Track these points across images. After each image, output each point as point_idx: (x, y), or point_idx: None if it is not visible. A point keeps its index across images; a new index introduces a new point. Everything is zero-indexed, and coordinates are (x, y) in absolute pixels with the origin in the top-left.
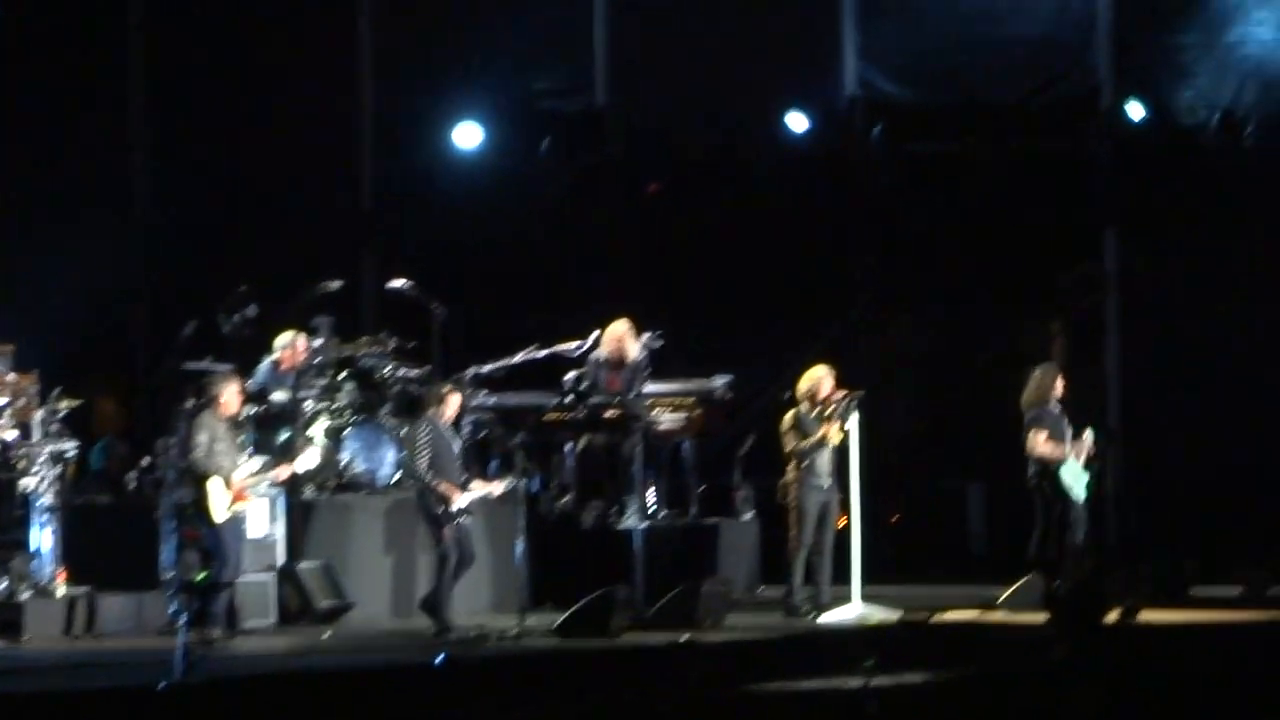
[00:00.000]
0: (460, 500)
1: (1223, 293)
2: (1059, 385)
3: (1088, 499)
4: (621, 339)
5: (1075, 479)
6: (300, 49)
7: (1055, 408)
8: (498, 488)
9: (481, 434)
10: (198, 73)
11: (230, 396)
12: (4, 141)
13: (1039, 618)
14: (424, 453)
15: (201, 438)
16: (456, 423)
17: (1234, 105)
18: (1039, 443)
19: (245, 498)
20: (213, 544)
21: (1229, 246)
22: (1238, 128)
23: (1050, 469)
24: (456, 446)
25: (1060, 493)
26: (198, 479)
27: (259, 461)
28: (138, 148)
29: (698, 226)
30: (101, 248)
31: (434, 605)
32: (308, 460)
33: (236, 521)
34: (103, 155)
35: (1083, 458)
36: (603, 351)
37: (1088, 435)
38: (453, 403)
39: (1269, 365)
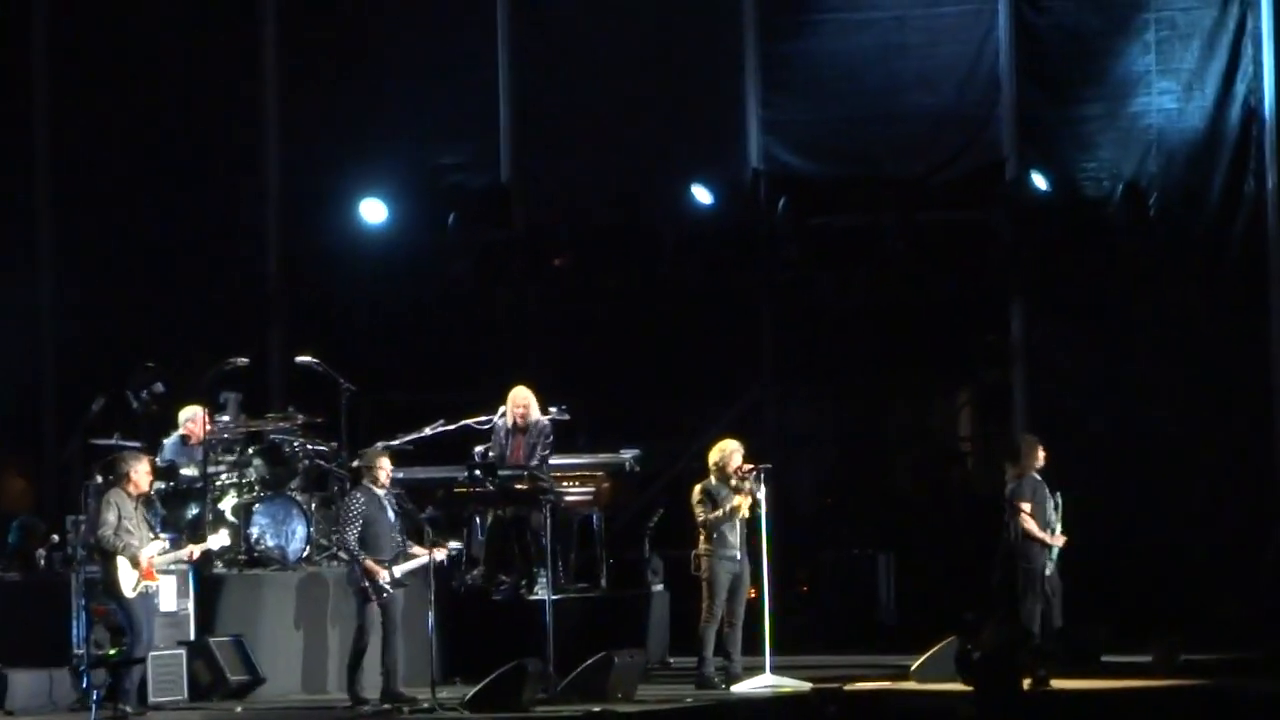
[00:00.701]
0: (385, 576)
1: (1128, 361)
2: (1040, 454)
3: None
4: (524, 401)
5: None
6: (206, 122)
7: (1035, 477)
8: (439, 554)
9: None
10: (102, 144)
11: (139, 474)
12: None
13: (950, 685)
14: (355, 525)
15: (110, 515)
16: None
17: (1137, 176)
18: (1024, 512)
19: (154, 575)
20: (123, 620)
21: (1134, 315)
22: (1141, 198)
23: (1030, 540)
24: (392, 514)
25: (1030, 563)
26: (106, 556)
27: (166, 540)
28: (43, 222)
29: (605, 300)
30: (6, 324)
31: (351, 680)
32: (217, 541)
33: (146, 597)
34: (7, 231)
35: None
36: (506, 416)
37: (1057, 500)
38: (385, 466)
39: (1176, 433)
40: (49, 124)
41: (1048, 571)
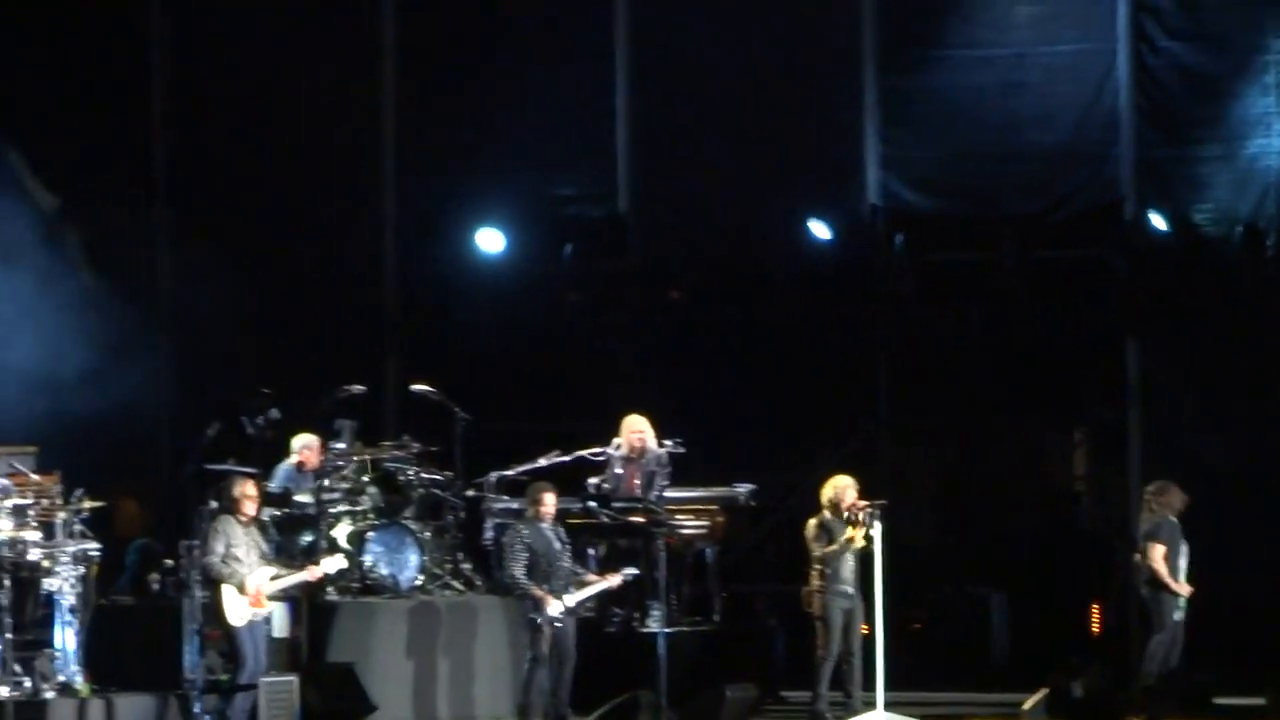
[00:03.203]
0: (556, 606)
1: (1244, 401)
2: (1179, 500)
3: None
4: (639, 431)
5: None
6: (323, 149)
7: (1174, 520)
8: (615, 580)
9: (502, 538)
10: (219, 172)
11: (247, 499)
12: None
13: None
14: (520, 558)
15: (217, 543)
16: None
17: (1255, 216)
18: (1157, 557)
19: (262, 603)
20: (230, 647)
21: (1251, 357)
22: (1259, 239)
23: (1159, 583)
24: (558, 544)
25: (1162, 606)
26: (213, 583)
27: (275, 568)
28: (160, 248)
29: (720, 333)
30: (123, 349)
31: (523, 708)
32: (332, 565)
33: (254, 625)
34: (128, 255)
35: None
36: (621, 446)
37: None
38: (547, 501)
39: None
40: (168, 153)
41: (1176, 617)
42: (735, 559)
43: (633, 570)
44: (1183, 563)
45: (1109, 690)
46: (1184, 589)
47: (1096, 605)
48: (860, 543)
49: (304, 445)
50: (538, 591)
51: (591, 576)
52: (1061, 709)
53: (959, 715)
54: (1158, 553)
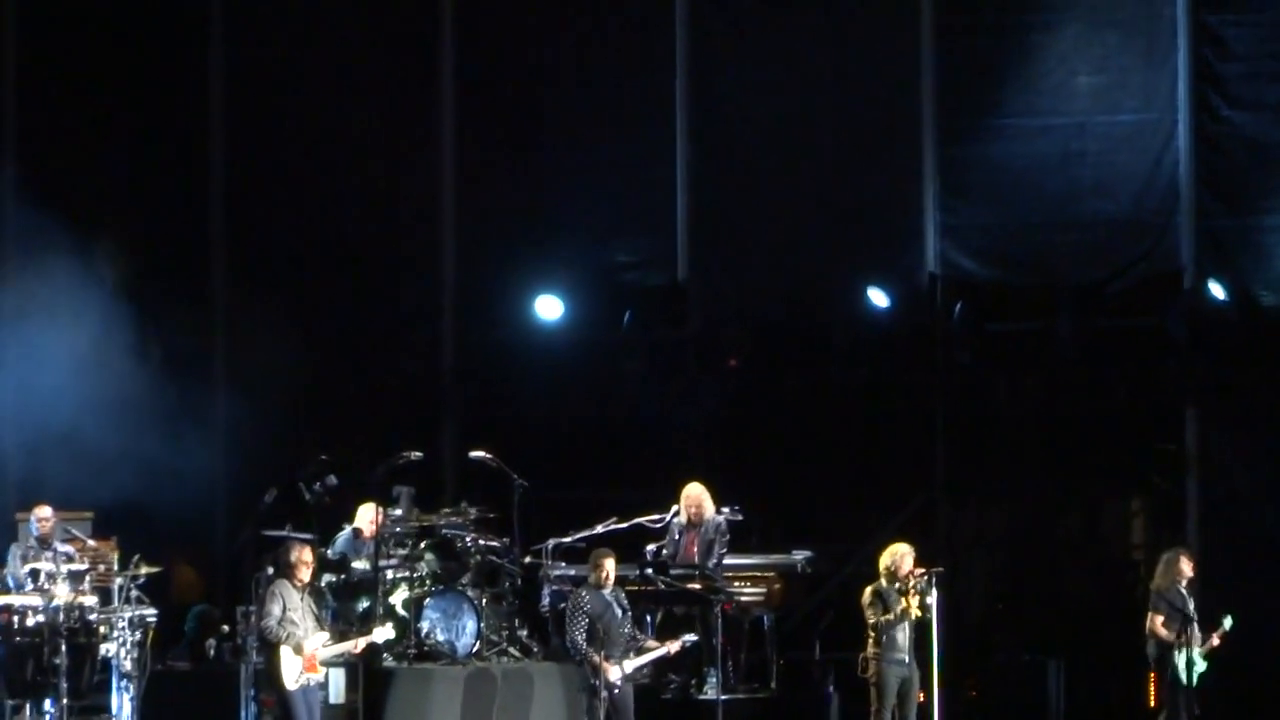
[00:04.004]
0: (615, 673)
1: None
2: (1186, 568)
3: (1198, 684)
4: (697, 499)
5: (1185, 665)
6: (381, 214)
7: (1180, 592)
8: (674, 646)
9: (561, 605)
10: (277, 235)
11: (303, 564)
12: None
13: None
14: (581, 623)
15: (274, 606)
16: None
17: None
18: (1156, 625)
19: (316, 668)
20: (284, 712)
21: None
22: None
23: (1165, 651)
24: (619, 611)
25: (1172, 675)
26: (270, 646)
27: (327, 634)
28: (217, 314)
29: (778, 400)
30: (180, 415)
31: None
32: (381, 635)
33: (308, 689)
34: (183, 319)
35: (1204, 646)
36: (681, 513)
37: (1226, 622)
38: (608, 567)
39: None
40: (224, 220)
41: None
42: (792, 626)
43: (691, 636)
44: (1190, 633)
45: None
46: (1198, 640)
47: (1153, 675)
48: (916, 613)
49: (369, 516)
50: (597, 658)
51: (651, 643)
52: None
53: None
54: (1158, 621)
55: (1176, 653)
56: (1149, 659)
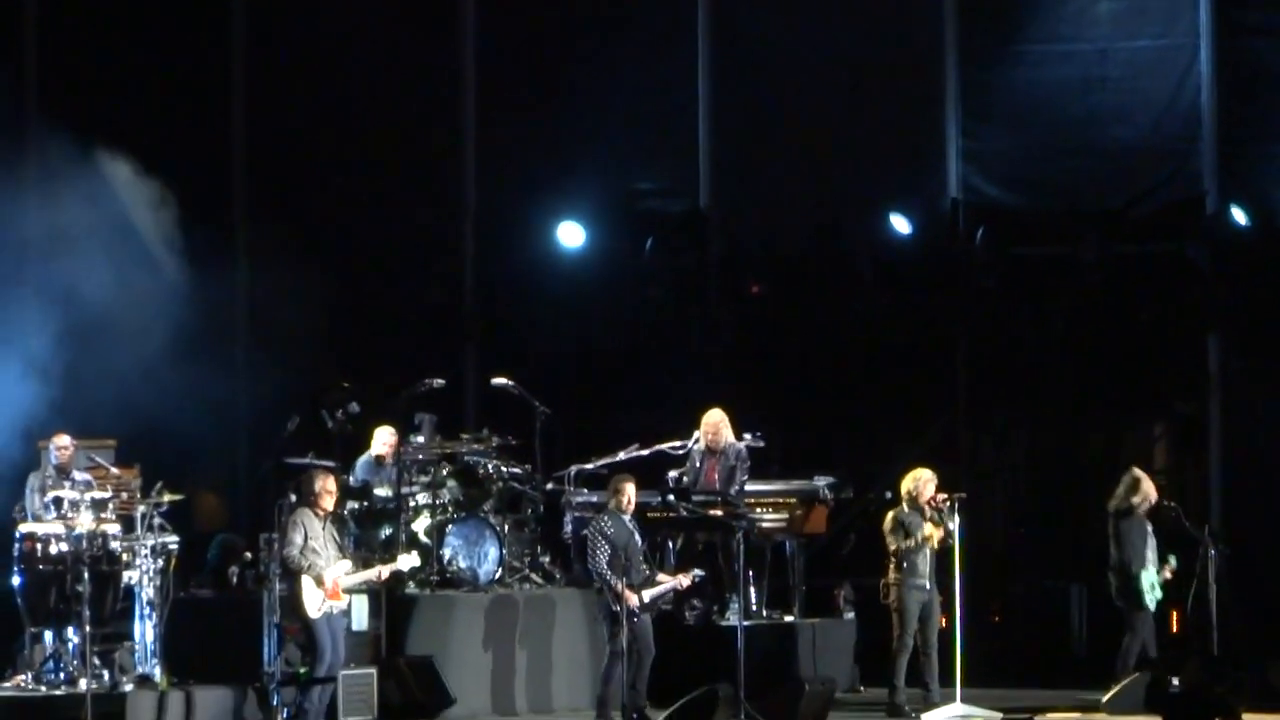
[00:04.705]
0: (635, 600)
1: None
2: (1147, 491)
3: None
4: (716, 425)
5: (1151, 587)
6: (405, 145)
7: (1140, 515)
8: (684, 580)
9: (583, 532)
10: (298, 162)
11: (326, 492)
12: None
13: (1142, 718)
14: (604, 549)
15: (296, 535)
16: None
17: None
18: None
19: (339, 595)
20: (308, 640)
21: None
22: None
23: (1130, 575)
24: (639, 539)
25: (1137, 598)
26: (292, 575)
27: (350, 564)
28: (239, 239)
29: (800, 327)
30: (202, 343)
31: (601, 700)
32: (406, 563)
33: (331, 617)
34: (204, 246)
35: (1160, 575)
36: (701, 440)
37: (1172, 560)
38: (628, 492)
39: None
40: (246, 140)
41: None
42: (814, 552)
43: (700, 572)
44: (1150, 555)
45: (1208, 684)
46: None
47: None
48: (936, 543)
49: (384, 439)
50: (620, 585)
51: (663, 576)
52: (1160, 703)
53: (1037, 708)
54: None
55: (1144, 573)
56: (1110, 582)
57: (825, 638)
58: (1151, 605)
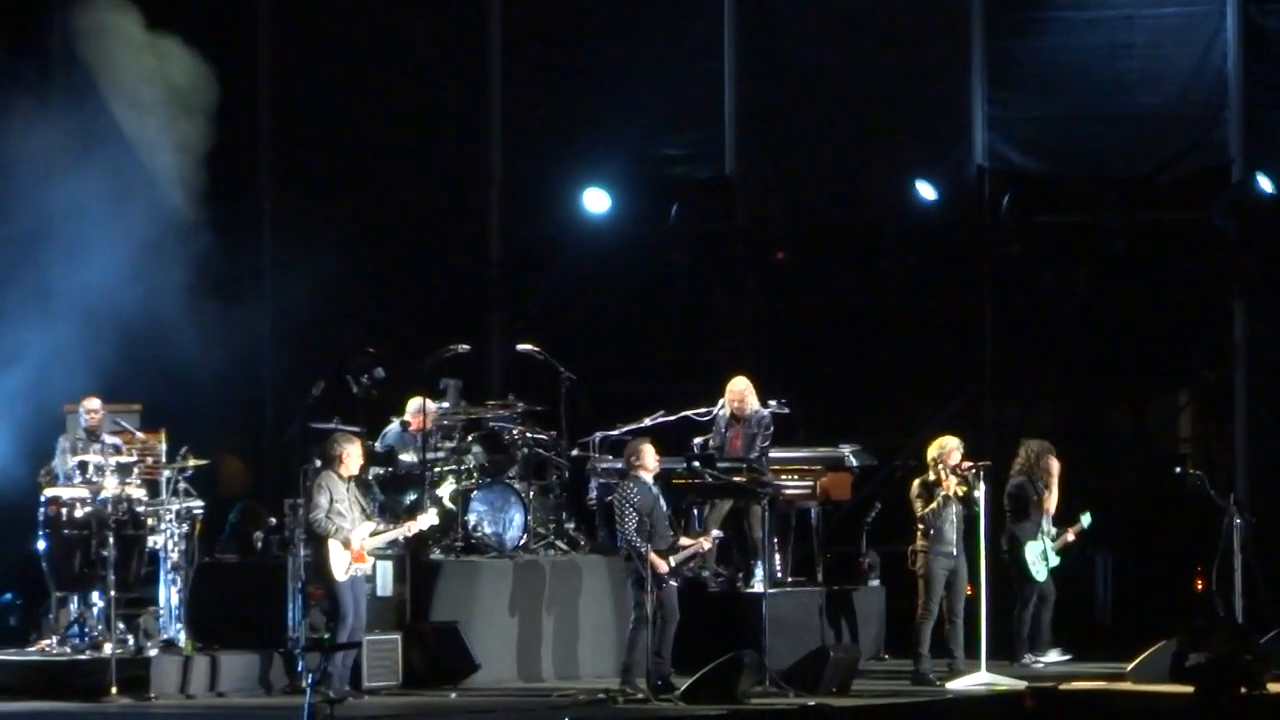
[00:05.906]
0: (664, 566)
1: None
2: (1044, 462)
3: (1049, 578)
4: (741, 392)
5: (1038, 558)
6: (431, 110)
7: (1035, 483)
8: (705, 543)
9: (608, 498)
10: (325, 129)
11: (351, 456)
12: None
13: (1167, 687)
14: (632, 515)
15: (321, 498)
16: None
17: None
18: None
19: (364, 559)
20: (332, 604)
21: None
22: None
23: (1017, 545)
24: (663, 503)
25: (1023, 570)
26: (317, 539)
27: (374, 523)
28: (266, 207)
29: (825, 294)
30: (228, 309)
31: (626, 667)
32: (426, 521)
33: (356, 581)
34: (231, 215)
35: (1058, 541)
36: (726, 407)
37: (1084, 519)
38: (647, 453)
39: None
40: (272, 107)
41: (1039, 576)
42: (839, 519)
43: (719, 533)
44: (1044, 526)
45: (1234, 654)
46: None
47: (1200, 567)
48: (958, 491)
49: (417, 409)
50: (651, 553)
51: (685, 540)
52: (1185, 672)
53: (1063, 675)
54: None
55: (1030, 545)
56: (1002, 550)
57: (850, 605)
58: (1041, 576)
